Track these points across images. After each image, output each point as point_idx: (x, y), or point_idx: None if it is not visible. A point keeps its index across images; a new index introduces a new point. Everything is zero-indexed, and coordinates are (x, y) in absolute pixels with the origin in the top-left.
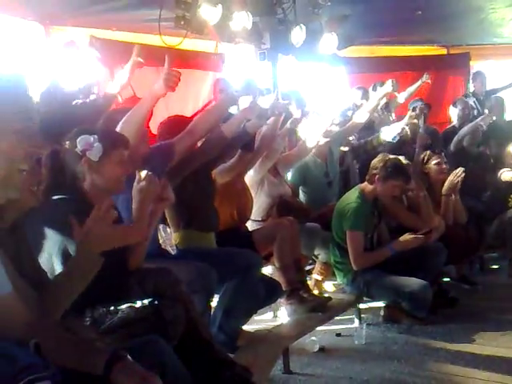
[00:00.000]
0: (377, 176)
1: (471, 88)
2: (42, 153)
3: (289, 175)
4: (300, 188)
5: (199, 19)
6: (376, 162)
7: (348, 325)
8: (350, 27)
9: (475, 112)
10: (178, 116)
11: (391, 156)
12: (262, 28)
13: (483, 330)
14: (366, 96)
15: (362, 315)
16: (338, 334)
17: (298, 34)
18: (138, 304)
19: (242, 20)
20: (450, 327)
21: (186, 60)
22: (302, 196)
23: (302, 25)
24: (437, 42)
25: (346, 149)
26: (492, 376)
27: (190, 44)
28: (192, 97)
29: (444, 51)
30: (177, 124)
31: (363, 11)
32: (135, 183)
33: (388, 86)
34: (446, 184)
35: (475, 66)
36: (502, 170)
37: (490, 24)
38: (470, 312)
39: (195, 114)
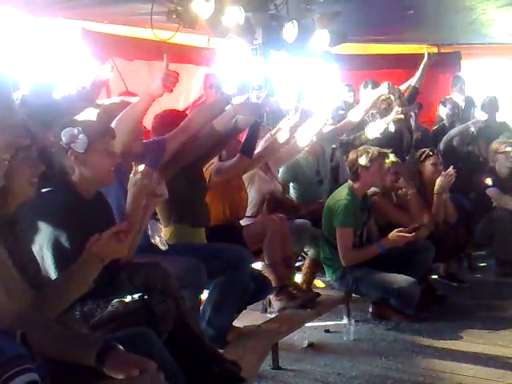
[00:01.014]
0: (358, 169)
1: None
2: (23, 142)
3: (280, 172)
4: (291, 185)
5: (191, 13)
6: (350, 159)
7: (337, 321)
8: (342, 24)
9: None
10: (173, 110)
11: (359, 148)
12: (255, 23)
13: (470, 327)
14: (352, 91)
15: (351, 312)
16: (327, 330)
17: (290, 30)
18: (128, 298)
19: (235, 15)
20: (438, 324)
21: (178, 54)
22: (292, 193)
23: (294, 21)
24: (428, 41)
25: (334, 145)
26: (478, 373)
27: (182, 38)
28: (184, 91)
29: (435, 50)
30: (172, 118)
31: (355, 8)
32: (131, 175)
33: (383, 88)
34: (438, 183)
35: (465, 64)
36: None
37: (481, 24)
38: (458, 309)
39: (186, 109)
